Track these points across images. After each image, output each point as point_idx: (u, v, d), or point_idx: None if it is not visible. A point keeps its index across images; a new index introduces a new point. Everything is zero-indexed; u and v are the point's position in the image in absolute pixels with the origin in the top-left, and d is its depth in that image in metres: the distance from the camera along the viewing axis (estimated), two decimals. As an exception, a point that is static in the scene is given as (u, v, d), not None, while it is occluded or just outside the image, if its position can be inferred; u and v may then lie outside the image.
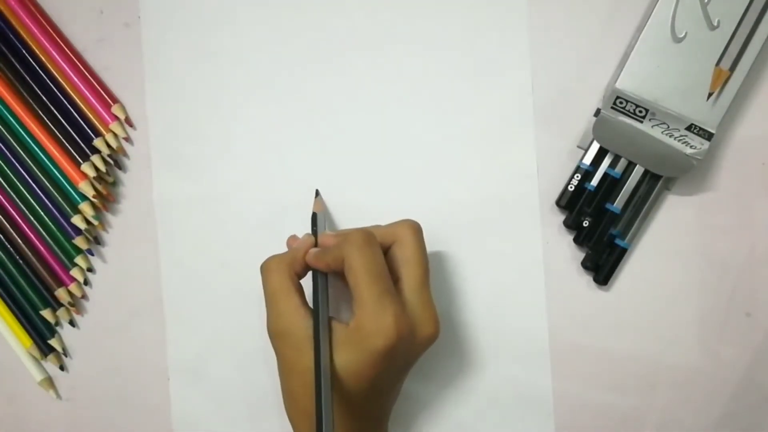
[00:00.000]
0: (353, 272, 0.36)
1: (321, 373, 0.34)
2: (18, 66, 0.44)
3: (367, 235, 0.37)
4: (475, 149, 0.44)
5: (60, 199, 0.44)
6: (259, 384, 0.44)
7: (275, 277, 0.38)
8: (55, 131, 0.44)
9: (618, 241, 0.43)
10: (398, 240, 0.38)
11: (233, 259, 0.45)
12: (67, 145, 0.44)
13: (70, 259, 0.44)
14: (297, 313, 0.37)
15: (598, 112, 0.43)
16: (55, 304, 0.45)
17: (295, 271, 0.38)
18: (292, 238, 0.41)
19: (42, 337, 0.45)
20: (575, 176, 0.43)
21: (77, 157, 0.44)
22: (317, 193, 0.44)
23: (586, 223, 0.43)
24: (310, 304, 0.38)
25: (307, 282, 0.39)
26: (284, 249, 0.40)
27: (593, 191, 0.43)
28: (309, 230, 0.41)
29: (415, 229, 0.39)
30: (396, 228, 0.39)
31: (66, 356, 0.45)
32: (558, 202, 0.44)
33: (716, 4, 0.41)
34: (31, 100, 0.44)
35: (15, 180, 0.44)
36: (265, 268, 0.39)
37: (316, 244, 0.40)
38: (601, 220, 0.43)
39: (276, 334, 0.38)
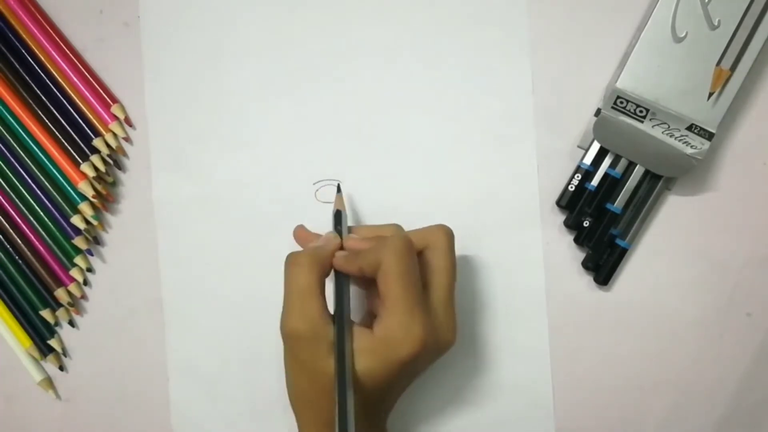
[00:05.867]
0: (389, 278, 0.35)
1: (345, 384, 0.34)
2: (18, 66, 0.44)
3: (407, 241, 0.36)
4: (476, 149, 0.44)
5: (59, 199, 0.44)
6: (259, 383, 0.44)
7: (306, 274, 0.36)
8: (55, 131, 0.44)
9: (618, 241, 0.43)
10: (432, 246, 0.38)
11: (233, 258, 0.45)
12: (66, 144, 0.44)
13: (70, 259, 0.44)
14: (322, 318, 0.36)
15: (598, 112, 0.43)
16: (54, 305, 0.45)
17: (324, 271, 0.37)
18: (301, 229, 0.40)
19: (41, 337, 0.45)
20: (575, 176, 0.43)
21: (77, 157, 0.43)
22: (339, 189, 0.43)
23: (586, 223, 0.43)
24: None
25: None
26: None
27: (594, 191, 0.43)
28: (307, 227, 0.41)
29: (450, 236, 0.38)
30: (430, 233, 0.38)
31: (65, 356, 0.45)
32: (558, 202, 0.44)
33: (717, 3, 0.41)
34: (30, 100, 0.44)
35: (14, 180, 0.44)
36: (294, 263, 0.37)
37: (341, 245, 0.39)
38: (601, 220, 0.43)
39: (295, 335, 0.36)
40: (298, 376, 0.37)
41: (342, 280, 0.38)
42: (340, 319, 0.36)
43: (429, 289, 0.37)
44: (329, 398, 0.35)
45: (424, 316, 0.35)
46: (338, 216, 0.40)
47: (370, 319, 0.39)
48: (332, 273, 0.39)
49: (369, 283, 0.39)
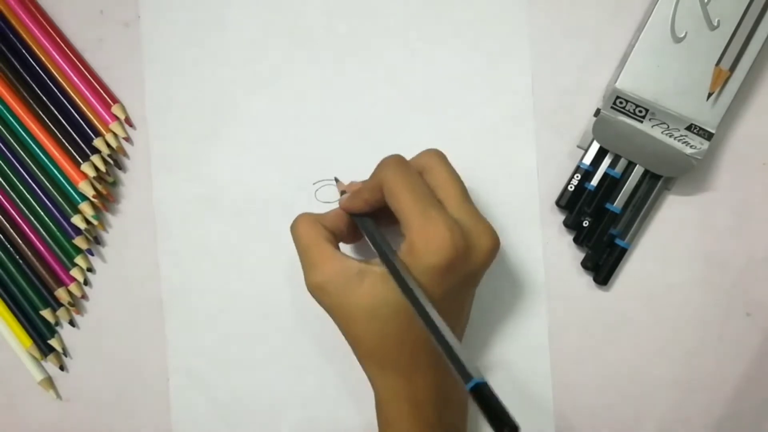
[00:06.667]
0: (394, 193, 0.35)
1: (419, 300, 0.32)
2: (18, 66, 0.44)
3: (398, 155, 0.36)
4: (475, 149, 0.44)
5: (60, 199, 0.44)
6: (259, 383, 0.44)
7: (303, 230, 0.37)
8: (55, 131, 0.44)
9: (618, 241, 0.43)
10: (426, 168, 0.37)
11: (233, 258, 0.45)
12: (67, 145, 0.44)
13: (70, 259, 0.44)
14: (333, 259, 0.36)
15: (598, 112, 0.43)
16: (55, 304, 0.45)
17: (323, 225, 0.38)
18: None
19: (42, 337, 0.45)
20: (575, 176, 0.43)
21: (77, 157, 0.44)
22: (336, 180, 0.43)
23: (586, 223, 0.43)
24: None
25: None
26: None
27: (593, 191, 0.43)
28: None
29: (441, 154, 0.38)
30: (421, 158, 0.38)
31: (66, 356, 0.45)
32: (558, 202, 0.44)
33: (716, 3, 0.41)
34: (31, 100, 0.44)
35: (15, 180, 0.44)
36: (293, 227, 0.38)
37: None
38: (601, 220, 0.43)
39: (316, 287, 0.36)
40: (346, 327, 0.37)
41: (365, 222, 0.38)
42: (381, 251, 0.35)
43: (442, 204, 0.36)
44: (381, 330, 0.35)
45: (442, 215, 0.34)
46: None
47: None
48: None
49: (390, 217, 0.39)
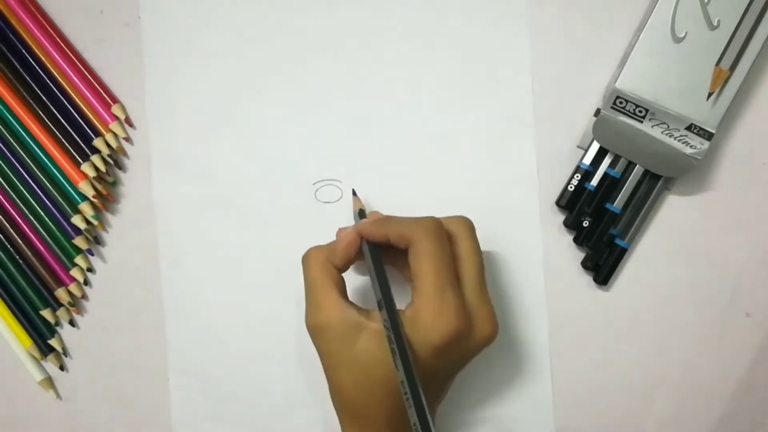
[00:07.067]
0: (421, 259, 0.35)
1: (407, 358, 0.34)
2: (18, 66, 0.44)
3: (439, 223, 0.37)
4: (475, 149, 0.44)
5: (60, 199, 0.44)
6: (259, 383, 0.44)
7: (313, 267, 0.38)
8: (55, 131, 0.44)
9: (618, 241, 0.43)
10: (454, 236, 0.38)
11: (233, 258, 0.45)
12: (67, 145, 0.44)
13: (70, 259, 0.44)
14: (336, 306, 0.36)
15: (598, 112, 0.43)
16: (55, 304, 0.45)
17: (333, 263, 0.38)
18: (341, 230, 0.41)
19: (42, 337, 0.45)
20: (575, 176, 0.43)
21: (77, 157, 0.44)
22: (354, 193, 0.43)
23: (586, 223, 0.43)
24: (351, 299, 0.38)
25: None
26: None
27: (593, 191, 0.43)
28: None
29: (471, 226, 0.38)
30: (452, 223, 0.38)
31: (66, 356, 0.45)
32: (558, 202, 0.44)
33: (716, 3, 0.41)
34: (31, 100, 0.44)
35: (15, 180, 0.44)
36: (304, 259, 0.38)
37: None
38: (601, 220, 0.43)
39: (315, 328, 0.37)
40: (333, 374, 0.37)
41: (375, 256, 0.38)
42: (386, 292, 0.36)
43: (459, 279, 0.37)
44: (365, 386, 0.36)
45: (456, 299, 0.35)
46: (362, 214, 0.41)
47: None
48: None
49: (398, 258, 0.39)
